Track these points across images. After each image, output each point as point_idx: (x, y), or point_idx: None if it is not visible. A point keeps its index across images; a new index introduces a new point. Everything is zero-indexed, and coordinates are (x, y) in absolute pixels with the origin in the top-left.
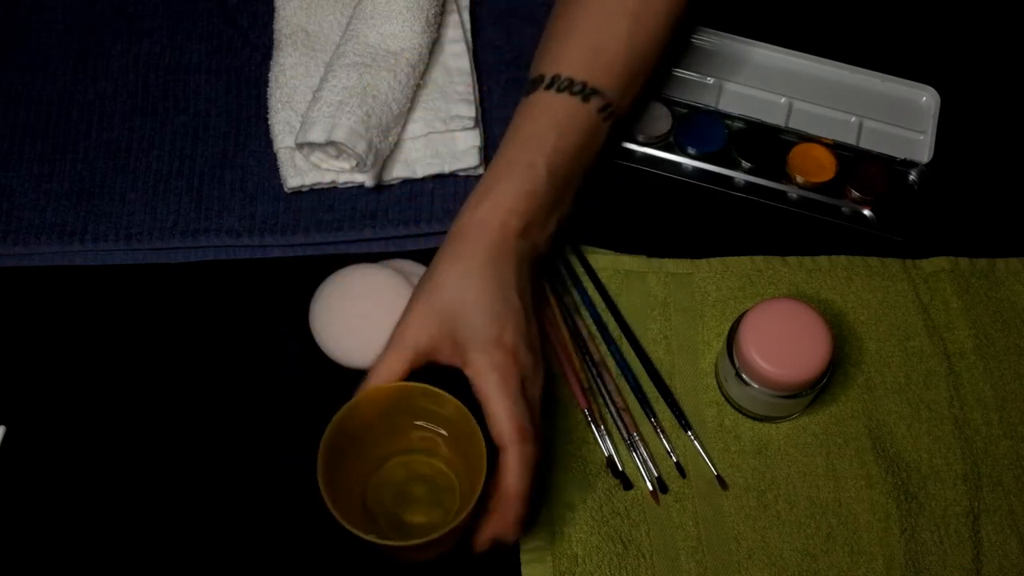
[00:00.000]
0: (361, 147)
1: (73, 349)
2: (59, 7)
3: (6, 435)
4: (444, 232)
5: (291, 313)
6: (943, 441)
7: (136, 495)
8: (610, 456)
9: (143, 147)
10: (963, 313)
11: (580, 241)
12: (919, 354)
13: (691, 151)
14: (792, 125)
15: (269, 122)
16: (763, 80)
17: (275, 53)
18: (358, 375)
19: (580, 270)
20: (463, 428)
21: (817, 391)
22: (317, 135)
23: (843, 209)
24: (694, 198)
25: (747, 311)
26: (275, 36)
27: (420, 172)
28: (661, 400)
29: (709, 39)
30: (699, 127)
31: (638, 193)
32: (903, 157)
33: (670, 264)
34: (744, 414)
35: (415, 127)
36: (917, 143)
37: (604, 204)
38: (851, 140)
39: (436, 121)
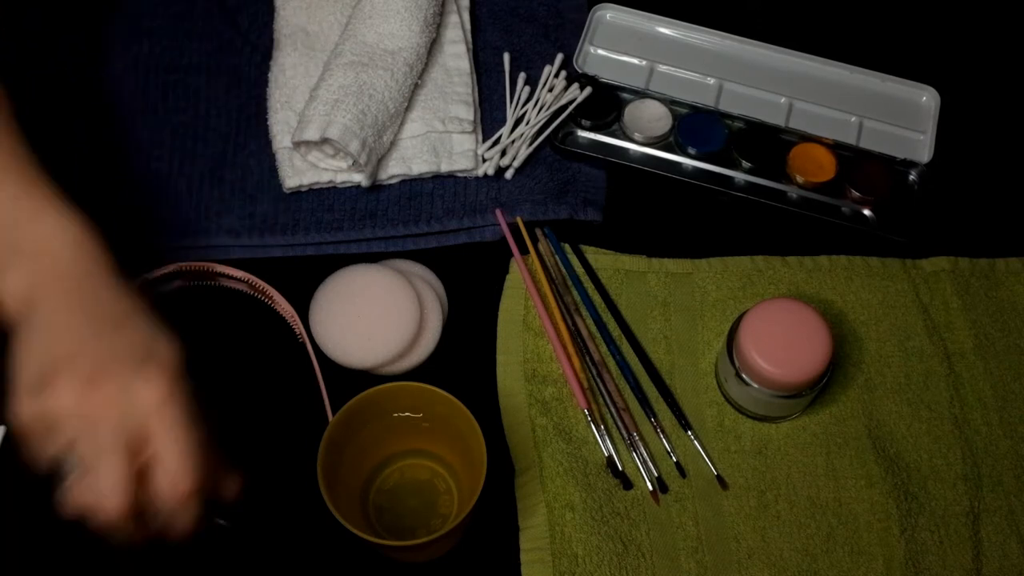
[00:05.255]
0: (354, 146)
1: None
2: (60, 8)
3: (6, 435)
4: (444, 232)
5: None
6: (943, 441)
7: None
8: (610, 456)
9: (143, 147)
10: (963, 313)
11: (580, 241)
12: (919, 354)
13: (691, 151)
14: (792, 125)
15: (268, 122)
16: (763, 80)
17: (275, 53)
18: (358, 375)
19: (580, 270)
20: (463, 428)
21: (817, 391)
22: (312, 133)
23: (843, 209)
24: (694, 198)
25: (747, 311)
26: (275, 36)
27: (415, 169)
28: (661, 400)
29: (709, 39)
30: (699, 127)
31: (638, 193)
32: (903, 157)
33: (670, 264)
34: (744, 414)
35: (414, 126)
36: (917, 143)
37: (604, 204)
38: (851, 140)
39: (435, 121)
